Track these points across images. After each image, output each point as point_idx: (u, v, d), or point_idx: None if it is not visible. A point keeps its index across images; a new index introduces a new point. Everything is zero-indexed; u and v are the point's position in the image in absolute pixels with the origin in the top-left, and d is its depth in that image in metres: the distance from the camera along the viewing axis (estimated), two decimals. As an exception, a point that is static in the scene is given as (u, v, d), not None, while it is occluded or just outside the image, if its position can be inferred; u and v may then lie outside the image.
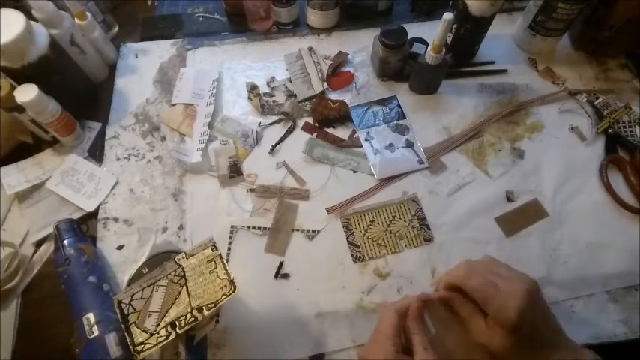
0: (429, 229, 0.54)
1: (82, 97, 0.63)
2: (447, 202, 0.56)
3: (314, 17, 0.70)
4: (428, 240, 0.54)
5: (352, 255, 0.53)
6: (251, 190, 0.57)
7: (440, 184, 0.58)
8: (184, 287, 0.42)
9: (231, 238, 0.54)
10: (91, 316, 0.46)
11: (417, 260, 0.52)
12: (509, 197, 0.56)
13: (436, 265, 0.52)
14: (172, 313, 0.41)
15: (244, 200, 0.57)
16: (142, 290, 0.42)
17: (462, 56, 0.66)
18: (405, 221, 0.55)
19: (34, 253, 0.54)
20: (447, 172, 0.58)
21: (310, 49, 0.68)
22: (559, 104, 0.63)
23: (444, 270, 0.50)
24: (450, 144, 0.60)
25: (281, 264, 0.53)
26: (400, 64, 0.63)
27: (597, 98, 0.62)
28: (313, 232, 0.55)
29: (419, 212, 0.55)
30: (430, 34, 0.58)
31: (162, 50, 0.70)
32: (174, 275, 0.43)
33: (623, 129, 0.60)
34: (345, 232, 0.54)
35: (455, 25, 0.62)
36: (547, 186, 0.57)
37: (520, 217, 0.55)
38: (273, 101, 0.64)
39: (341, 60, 0.67)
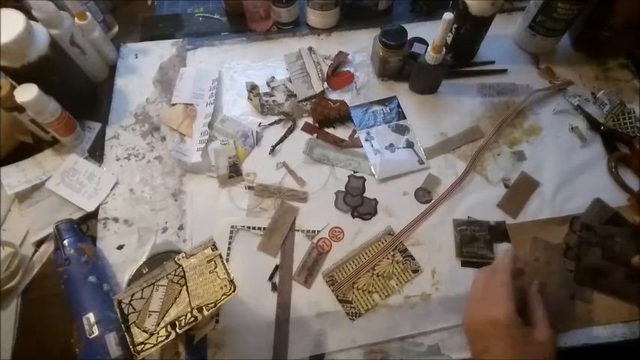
0: (414, 258, 0.53)
1: (82, 97, 0.63)
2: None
3: (314, 17, 0.70)
4: (415, 271, 0.52)
5: (347, 313, 0.50)
6: (249, 188, 0.57)
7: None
8: (184, 287, 0.42)
9: (231, 238, 0.54)
10: (91, 316, 0.46)
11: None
12: (506, 184, 0.57)
13: (431, 293, 0.51)
14: (172, 313, 0.41)
15: (241, 198, 0.57)
16: (142, 290, 0.42)
17: (462, 56, 0.66)
18: (388, 258, 0.53)
19: (34, 253, 0.54)
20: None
21: (310, 49, 0.68)
22: (554, 105, 0.63)
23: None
24: (449, 145, 0.60)
25: (276, 268, 0.53)
26: (400, 64, 0.63)
27: (595, 96, 0.63)
28: (313, 232, 0.55)
29: (398, 244, 0.53)
30: (430, 34, 0.58)
31: (162, 50, 0.70)
32: (174, 275, 0.43)
33: (617, 122, 0.61)
34: (333, 290, 0.51)
35: (455, 25, 0.62)
36: (547, 187, 0.57)
37: (517, 194, 0.57)
38: (273, 101, 0.64)
39: (341, 60, 0.67)
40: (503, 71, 0.66)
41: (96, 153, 0.61)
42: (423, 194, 0.57)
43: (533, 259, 0.52)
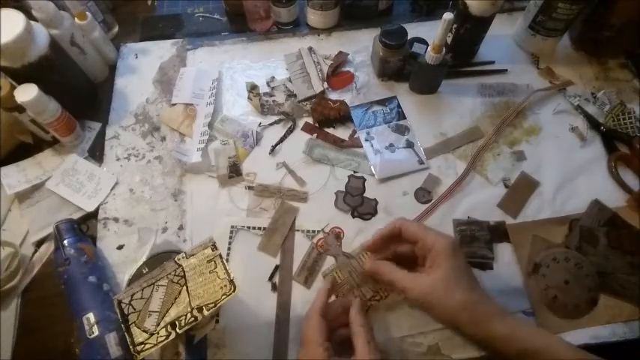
0: None
1: (82, 97, 0.63)
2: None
3: (314, 17, 0.70)
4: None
5: None
6: (249, 188, 0.57)
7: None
8: (184, 287, 0.42)
9: (231, 238, 0.54)
10: (91, 316, 0.46)
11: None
12: (506, 184, 0.57)
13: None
14: (172, 313, 0.41)
15: (241, 198, 0.57)
16: (142, 290, 0.42)
17: (462, 56, 0.66)
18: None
19: (34, 253, 0.54)
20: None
21: (310, 49, 0.68)
22: (554, 105, 0.63)
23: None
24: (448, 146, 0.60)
25: (276, 268, 0.53)
26: (400, 64, 0.63)
27: (595, 96, 0.63)
28: (313, 232, 0.55)
29: None
30: (430, 34, 0.58)
31: (162, 50, 0.70)
32: (174, 275, 0.43)
33: (617, 122, 0.61)
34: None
35: (455, 25, 0.62)
36: (547, 187, 0.57)
37: (517, 194, 0.57)
38: (273, 101, 0.64)
39: (341, 60, 0.67)
40: (503, 71, 0.66)
41: (96, 153, 0.61)
42: (423, 194, 0.57)
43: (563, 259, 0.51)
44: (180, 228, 0.55)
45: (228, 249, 0.54)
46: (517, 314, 0.49)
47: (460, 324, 0.41)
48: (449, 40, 0.65)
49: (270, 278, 0.52)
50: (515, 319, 0.41)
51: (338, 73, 0.67)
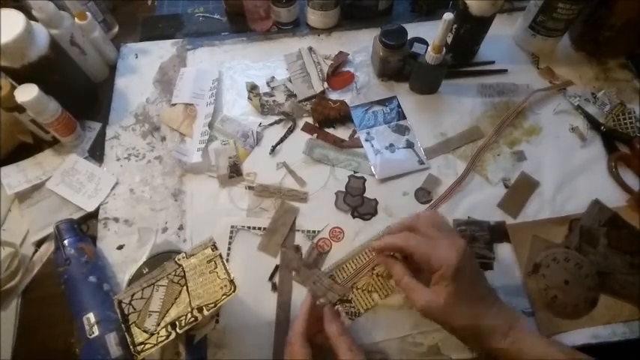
0: None
1: (82, 97, 0.63)
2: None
3: (314, 17, 0.70)
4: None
5: (347, 313, 0.50)
6: (250, 188, 0.57)
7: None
8: (184, 287, 0.42)
9: (231, 238, 0.54)
10: (91, 316, 0.46)
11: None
12: (506, 184, 0.57)
13: None
14: (172, 313, 0.41)
15: (241, 198, 0.57)
16: (142, 290, 0.42)
17: (462, 56, 0.66)
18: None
19: (34, 253, 0.54)
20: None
21: (310, 49, 0.68)
22: (555, 105, 0.63)
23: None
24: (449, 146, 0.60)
25: (276, 268, 0.53)
26: (400, 64, 0.63)
27: (595, 96, 0.63)
28: (313, 232, 0.55)
29: None
30: (430, 34, 0.58)
31: (162, 50, 0.70)
32: (175, 275, 0.43)
33: (618, 122, 0.61)
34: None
35: (455, 25, 0.62)
36: (547, 187, 0.57)
37: (517, 194, 0.57)
38: (273, 101, 0.64)
39: (341, 60, 0.67)
40: (503, 71, 0.66)
41: (96, 153, 0.61)
42: (423, 194, 0.57)
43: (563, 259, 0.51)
44: (181, 228, 0.55)
45: (229, 249, 0.54)
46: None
47: (462, 339, 0.44)
48: (449, 40, 0.65)
49: (270, 278, 0.52)
50: (521, 332, 0.41)
51: (338, 73, 0.67)
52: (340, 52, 0.68)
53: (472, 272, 0.43)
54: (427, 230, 0.45)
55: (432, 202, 0.56)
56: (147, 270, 0.52)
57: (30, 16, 0.53)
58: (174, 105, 0.64)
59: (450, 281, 0.41)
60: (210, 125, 0.62)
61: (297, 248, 0.53)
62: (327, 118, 0.62)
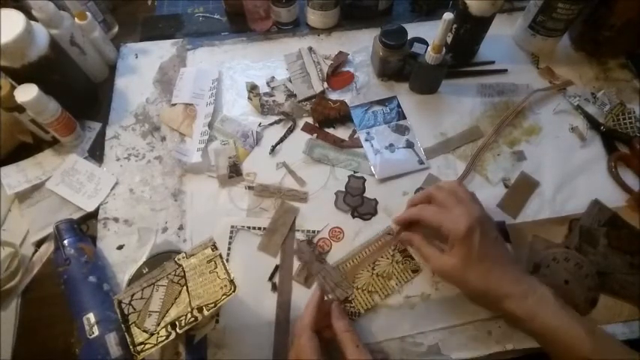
0: (413, 258, 0.52)
1: (82, 97, 0.63)
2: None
3: (314, 17, 0.70)
4: (415, 271, 0.52)
5: (347, 313, 0.49)
6: (249, 188, 0.57)
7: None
8: (184, 287, 0.42)
9: (231, 238, 0.54)
10: (91, 316, 0.46)
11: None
12: (506, 184, 0.57)
13: (431, 293, 0.51)
14: (172, 313, 0.41)
15: (241, 198, 0.57)
16: (142, 290, 0.42)
17: (462, 56, 0.66)
18: (387, 258, 0.52)
19: (34, 253, 0.54)
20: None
21: (310, 49, 0.68)
22: (554, 105, 0.63)
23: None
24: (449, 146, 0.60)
25: (276, 268, 0.53)
26: (400, 64, 0.63)
27: (595, 96, 0.63)
28: (313, 232, 0.55)
29: (398, 244, 0.53)
30: (430, 34, 0.58)
31: (162, 50, 0.70)
32: (175, 275, 0.43)
33: (617, 122, 0.61)
34: None
35: (455, 25, 0.62)
36: (547, 187, 0.57)
37: (517, 194, 0.57)
38: (273, 101, 0.64)
39: (341, 60, 0.67)
40: (504, 71, 0.66)
41: (96, 153, 0.61)
42: (423, 194, 0.57)
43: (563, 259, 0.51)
44: (180, 228, 0.55)
45: (228, 249, 0.54)
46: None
47: (478, 303, 0.47)
48: (449, 40, 0.65)
49: (270, 278, 0.52)
50: (538, 298, 0.42)
51: (338, 73, 0.67)
52: (340, 52, 0.68)
53: (485, 238, 0.44)
54: (444, 200, 0.47)
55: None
56: (147, 270, 0.52)
57: (30, 16, 0.53)
58: (174, 105, 0.64)
59: (459, 246, 0.44)
60: (210, 125, 0.62)
61: (310, 242, 0.53)
62: (327, 118, 0.62)
